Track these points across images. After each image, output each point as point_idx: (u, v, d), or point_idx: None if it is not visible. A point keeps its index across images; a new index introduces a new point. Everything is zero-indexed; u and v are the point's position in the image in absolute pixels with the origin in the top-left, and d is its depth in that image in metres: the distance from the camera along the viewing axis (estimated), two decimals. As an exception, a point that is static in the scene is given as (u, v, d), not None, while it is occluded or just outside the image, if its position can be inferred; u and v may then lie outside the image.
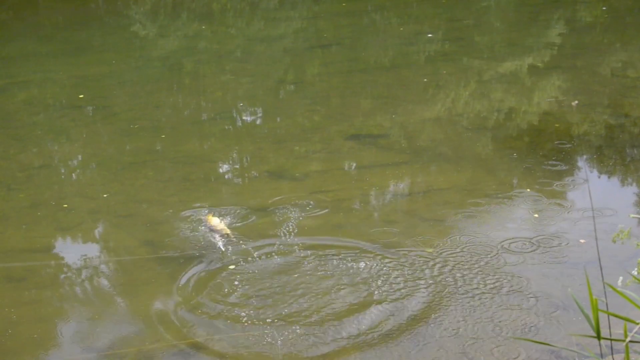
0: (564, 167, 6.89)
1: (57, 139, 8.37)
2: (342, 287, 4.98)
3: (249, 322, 4.63)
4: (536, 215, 5.88)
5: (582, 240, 5.36)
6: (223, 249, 5.41)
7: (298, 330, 4.53)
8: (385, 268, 5.18)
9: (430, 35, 12.76)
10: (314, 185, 6.63)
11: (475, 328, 4.51)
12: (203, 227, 5.77)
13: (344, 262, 5.28)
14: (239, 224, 5.92)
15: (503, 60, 10.86)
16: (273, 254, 5.43)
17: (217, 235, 5.59)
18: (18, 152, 7.82)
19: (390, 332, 4.51)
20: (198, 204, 6.32)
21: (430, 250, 5.44)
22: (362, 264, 5.23)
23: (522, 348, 4.29)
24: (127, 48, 13.23)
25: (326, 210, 6.09)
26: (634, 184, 6.53)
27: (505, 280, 5.00)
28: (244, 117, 9.09)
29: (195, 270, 5.26)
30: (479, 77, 10.05)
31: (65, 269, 5.32)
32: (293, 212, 6.07)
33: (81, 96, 9.43)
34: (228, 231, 5.64)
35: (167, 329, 4.61)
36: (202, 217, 5.89)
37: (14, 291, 5.13)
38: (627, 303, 3.00)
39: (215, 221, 5.77)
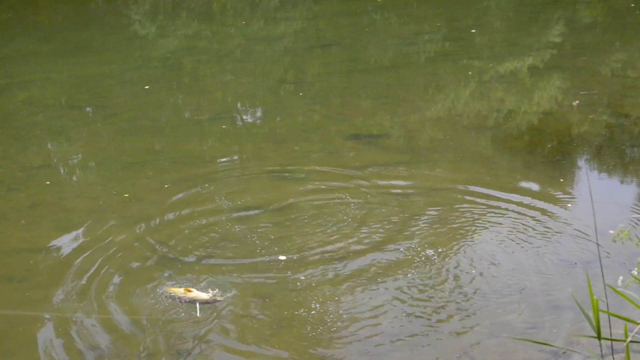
0: (564, 167, 6.89)
1: (57, 139, 8.37)
2: (356, 288, 4.98)
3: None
4: (536, 215, 5.88)
5: (611, 231, 5.33)
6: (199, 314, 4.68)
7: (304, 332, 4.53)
8: (381, 266, 5.19)
9: (473, 30, 12.83)
10: (313, 185, 6.62)
11: (476, 328, 4.50)
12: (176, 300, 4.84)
13: (354, 263, 5.30)
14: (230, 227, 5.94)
15: (503, 60, 10.86)
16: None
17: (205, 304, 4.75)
18: (18, 152, 7.82)
19: (390, 332, 4.51)
20: (200, 208, 6.32)
21: (494, 234, 5.51)
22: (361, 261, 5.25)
23: (522, 348, 4.29)
24: (127, 48, 13.23)
25: (327, 210, 6.11)
26: (634, 184, 6.54)
27: (505, 280, 5.00)
28: (244, 117, 9.09)
29: (195, 270, 5.27)
30: (479, 77, 10.05)
31: (65, 269, 5.31)
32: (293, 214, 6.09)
33: (148, 88, 9.31)
34: (218, 297, 4.82)
35: (167, 329, 4.61)
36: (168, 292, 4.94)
37: (14, 291, 5.13)
38: (628, 303, 3.00)
39: (194, 293, 4.84)
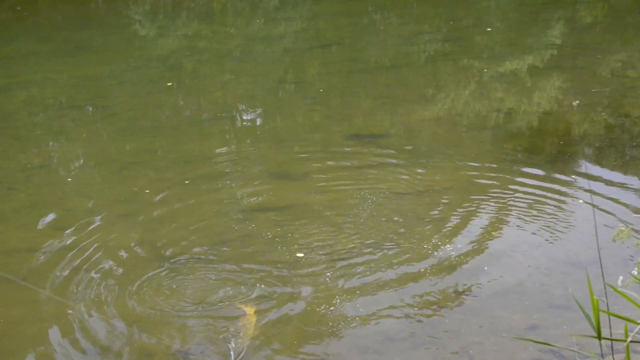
0: (564, 167, 6.88)
1: (57, 139, 8.37)
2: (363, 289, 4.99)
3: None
4: (536, 215, 5.88)
5: (619, 228, 5.29)
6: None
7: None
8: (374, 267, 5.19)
9: (489, 29, 12.87)
10: (314, 185, 6.62)
11: (476, 328, 4.50)
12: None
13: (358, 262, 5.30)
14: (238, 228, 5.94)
15: (503, 60, 10.86)
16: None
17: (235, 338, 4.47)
18: (18, 152, 7.82)
19: (390, 331, 4.51)
20: (201, 208, 6.32)
21: (495, 234, 5.53)
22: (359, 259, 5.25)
23: (522, 348, 4.29)
24: (127, 48, 13.23)
25: (325, 210, 6.11)
26: (634, 184, 6.53)
27: (505, 280, 5.00)
28: (244, 117, 9.09)
29: (194, 270, 5.26)
30: (479, 77, 10.05)
31: (65, 269, 5.31)
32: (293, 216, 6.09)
33: (170, 85, 9.31)
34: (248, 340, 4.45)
35: (165, 328, 4.61)
36: (244, 309, 4.76)
37: (14, 291, 5.12)
38: (628, 303, 3.00)
39: (250, 321, 4.59)
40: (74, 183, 7.05)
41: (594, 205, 5.90)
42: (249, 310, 4.72)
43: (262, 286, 5.01)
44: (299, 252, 5.43)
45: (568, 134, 7.76)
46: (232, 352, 4.33)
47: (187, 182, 6.79)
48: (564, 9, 14.68)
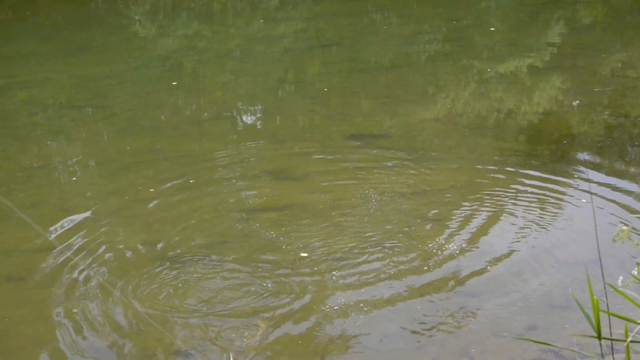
0: (564, 167, 6.89)
1: (57, 139, 8.37)
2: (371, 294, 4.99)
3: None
4: (537, 215, 5.88)
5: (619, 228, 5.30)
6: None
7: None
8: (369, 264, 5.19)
9: (492, 28, 12.89)
10: (314, 185, 6.63)
11: (476, 328, 4.50)
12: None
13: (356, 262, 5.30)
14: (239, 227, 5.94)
15: (503, 60, 10.86)
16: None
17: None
18: (18, 152, 7.82)
19: (390, 332, 4.51)
20: (201, 208, 6.32)
21: (496, 233, 5.54)
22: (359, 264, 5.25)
23: (522, 348, 4.29)
24: (127, 48, 13.24)
25: (325, 210, 6.11)
26: (634, 184, 6.53)
27: (505, 280, 5.00)
28: (244, 117, 9.09)
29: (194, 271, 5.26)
30: (479, 77, 10.05)
31: (65, 269, 5.31)
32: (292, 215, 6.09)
33: (175, 84, 9.36)
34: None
35: (165, 328, 4.60)
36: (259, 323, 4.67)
37: (14, 291, 5.13)
38: (628, 303, 3.00)
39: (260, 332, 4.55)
40: (74, 183, 7.06)
41: (594, 204, 5.90)
42: (262, 323, 4.65)
43: (268, 286, 5.01)
44: (303, 252, 5.43)
45: (568, 134, 7.76)
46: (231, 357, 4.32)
47: (188, 181, 6.79)
48: (564, 9, 14.69)
